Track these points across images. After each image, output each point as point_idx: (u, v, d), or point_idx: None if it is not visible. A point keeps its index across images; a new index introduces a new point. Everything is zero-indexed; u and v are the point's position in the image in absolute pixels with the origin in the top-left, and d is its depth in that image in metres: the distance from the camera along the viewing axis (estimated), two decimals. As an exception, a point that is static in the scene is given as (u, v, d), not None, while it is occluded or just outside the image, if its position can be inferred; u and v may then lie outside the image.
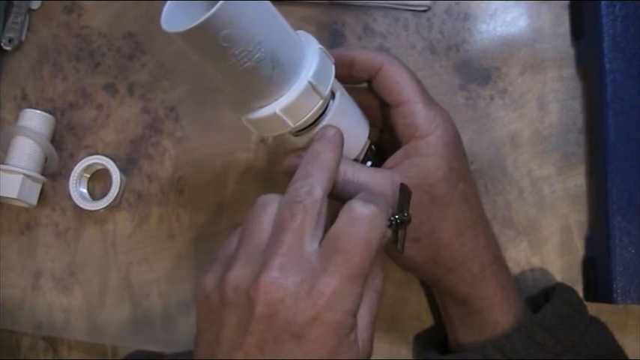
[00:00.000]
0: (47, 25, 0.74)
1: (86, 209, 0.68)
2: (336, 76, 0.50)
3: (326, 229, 0.45)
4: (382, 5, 0.69)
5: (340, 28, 0.69)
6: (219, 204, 0.68)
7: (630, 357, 0.59)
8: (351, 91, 0.54)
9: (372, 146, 0.58)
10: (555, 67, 0.66)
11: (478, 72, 0.67)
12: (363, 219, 0.44)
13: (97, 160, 0.69)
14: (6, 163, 0.68)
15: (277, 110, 0.46)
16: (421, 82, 0.55)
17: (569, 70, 0.66)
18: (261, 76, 0.44)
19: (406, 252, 0.51)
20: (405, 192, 0.49)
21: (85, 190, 0.70)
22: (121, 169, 0.69)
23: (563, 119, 0.66)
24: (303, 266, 0.43)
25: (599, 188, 0.62)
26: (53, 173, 0.71)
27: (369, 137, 0.56)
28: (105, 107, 0.71)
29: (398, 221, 0.47)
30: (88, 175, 0.70)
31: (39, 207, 0.71)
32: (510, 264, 0.63)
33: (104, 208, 0.68)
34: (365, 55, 0.54)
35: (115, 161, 0.69)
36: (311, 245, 0.44)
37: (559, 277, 0.64)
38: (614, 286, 0.58)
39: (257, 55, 0.42)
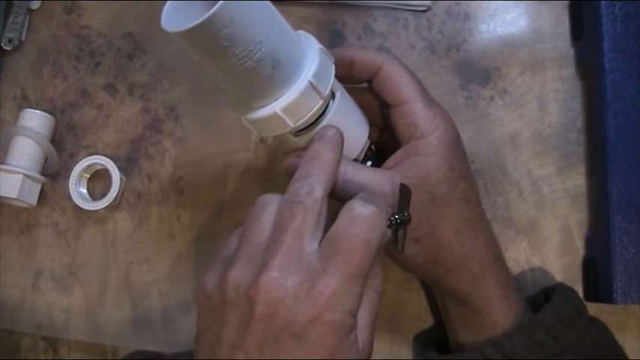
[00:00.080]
0: (47, 25, 0.74)
1: (86, 209, 0.68)
2: (336, 76, 0.50)
3: (326, 229, 0.45)
4: (382, 5, 0.69)
5: (340, 28, 0.69)
6: (219, 204, 0.68)
7: (630, 357, 0.59)
8: (351, 91, 0.54)
9: (372, 146, 0.58)
10: (555, 67, 0.66)
11: (478, 72, 0.67)
12: (363, 219, 0.44)
13: (96, 160, 0.69)
14: (6, 163, 0.68)
15: (277, 110, 0.46)
16: (421, 82, 0.55)
17: (569, 70, 0.66)
18: (261, 76, 0.44)
19: (406, 252, 0.51)
20: (405, 192, 0.49)
21: (84, 190, 0.70)
22: (121, 169, 0.69)
23: (563, 119, 0.66)
24: (303, 266, 0.43)
25: (599, 188, 0.62)
26: (53, 173, 0.71)
27: (369, 137, 0.56)
28: (105, 107, 0.71)
29: (398, 221, 0.47)
30: (88, 175, 0.70)
31: (39, 207, 0.71)
32: (510, 264, 0.63)
33: (104, 208, 0.68)
34: (365, 55, 0.54)
35: (114, 161, 0.69)
36: (311, 245, 0.44)
37: (559, 277, 0.64)
38: (614, 286, 0.58)
39: (257, 55, 0.42)
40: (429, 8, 0.68)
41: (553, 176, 0.65)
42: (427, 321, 0.65)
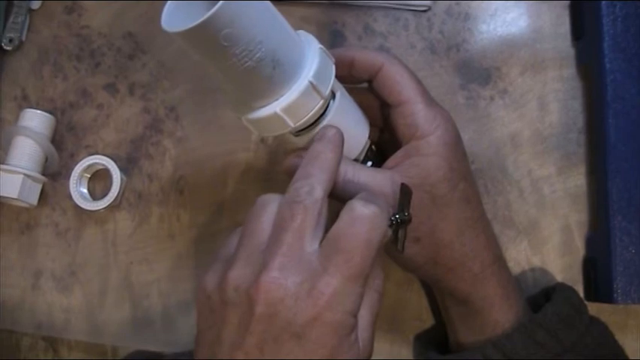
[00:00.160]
0: (47, 25, 0.74)
1: (86, 209, 0.68)
2: (337, 76, 0.50)
3: (326, 229, 0.45)
4: (382, 5, 0.69)
5: (340, 28, 0.69)
6: (220, 204, 0.68)
7: (630, 357, 0.59)
8: (351, 91, 0.54)
9: (373, 146, 0.58)
10: (556, 67, 0.66)
11: (478, 72, 0.67)
12: (364, 219, 0.44)
13: (97, 160, 0.69)
14: (6, 163, 0.68)
15: (278, 110, 0.46)
16: (421, 82, 0.55)
17: (570, 70, 0.66)
18: (261, 76, 0.44)
19: (406, 252, 0.51)
20: (405, 191, 0.49)
21: (85, 190, 0.70)
22: (122, 169, 0.69)
23: (563, 119, 0.66)
24: (303, 266, 0.43)
25: (600, 188, 0.62)
26: (53, 173, 0.71)
27: (369, 137, 0.56)
28: (105, 107, 0.71)
29: (398, 221, 0.47)
30: (89, 175, 0.70)
31: (39, 207, 0.71)
32: (510, 264, 0.63)
33: (104, 208, 0.68)
34: (365, 55, 0.54)
35: (115, 161, 0.69)
36: (311, 245, 0.44)
37: (559, 277, 0.64)
38: (615, 286, 0.58)
39: (258, 55, 0.42)
40: (429, 8, 0.68)
41: (553, 176, 0.65)
42: (427, 321, 0.65)
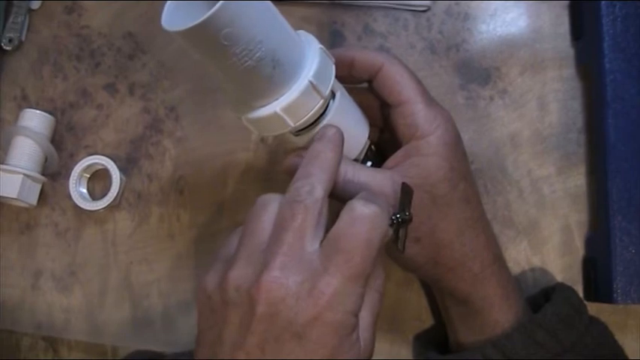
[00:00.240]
0: (47, 25, 0.74)
1: (86, 209, 0.68)
2: (337, 76, 0.50)
3: (327, 229, 0.45)
4: (382, 5, 0.69)
5: (340, 28, 0.69)
6: (219, 204, 0.68)
7: (630, 357, 0.59)
8: (351, 91, 0.54)
9: (372, 146, 0.58)
10: (555, 67, 0.66)
11: (478, 72, 0.67)
12: (365, 219, 0.44)
13: (96, 160, 0.69)
14: (6, 163, 0.68)
15: (278, 110, 0.46)
16: (421, 82, 0.55)
17: (569, 70, 0.66)
18: (261, 76, 0.44)
19: (407, 252, 0.51)
20: (406, 191, 0.49)
21: (84, 190, 0.70)
22: (121, 169, 0.69)
23: (563, 119, 0.66)
24: (304, 266, 0.42)
25: (600, 188, 0.62)
26: (53, 173, 0.71)
27: (369, 137, 0.56)
28: (105, 107, 0.71)
29: (399, 220, 0.47)
30: (88, 175, 0.70)
31: (39, 207, 0.71)
32: (510, 264, 0.63)
33: (104, 208, 0.68)
34: (365, 55, 0.54)
35: (114, 161, 0.69)
36: (312, 245, 0.44)
37: (559, 277, 0.64)
38: (615, 286, 0.58)
39: (258, 54, 0.42)
40: (429, 8, 0.68)
41: (553, 176, 0.65)
42: (427, 321, 0.65)
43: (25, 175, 0.67)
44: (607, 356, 0.55)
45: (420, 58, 0.68)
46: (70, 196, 0.68)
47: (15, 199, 0.67)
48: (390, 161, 0.54)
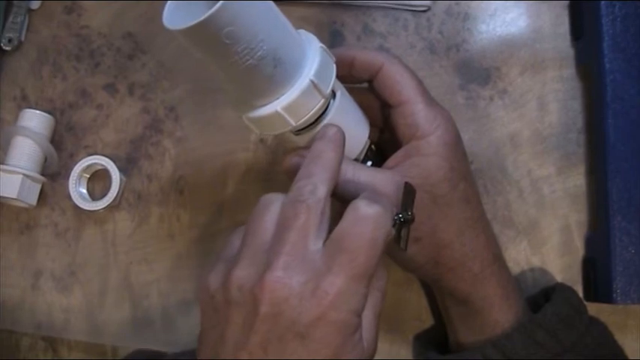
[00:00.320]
0: (47, 25, 0.74)
1: (86, 209, 0.68)
2: (337, 76, 0.50)
3: (329, 229, 0.45)
4: (382, 5, 0.69)
5: (340, 28, 0.69)
6: (219, 204, 0.68)
7: (630, 357, 0.59)
8: (351, 91, 0.54)
9: (372, 146, 0.58)
10: (555, 67, 0.66)
11: (478, 72, 0.67)
12: (368, 218, 0.43)
13: (96, 160, 0.69)
14: (6, 163, 0.68)
15: (279, 109, 0.46)
16: (422, 82, 0.55)
17: (569, 70, 0.66)
18: (262, 74, 0.44)
19: (407, 251, 0.51)
20: (409, 190, 0.49)
21: (84, 190, 0.70)
22: (121, 169, 0.69)
23: (563, 119, 0.66)
24: (307, 265, 0.42)
25: (599, 188, 0.62)
26: (53, 173, 0.71)
27: (369, 137, 0.56)
28: (105, 107, 0.71)
29: (402, 220, 0.47)
30: (88, 175, 0.70)
31: (38, 207, 0.70)
32: (510, 264, 0.63)
33: (104, 208, 0.68)
34: (366, 55, 0.54)
35: (114, 161, 0.69)
36: (315, 244, 0.44)
37: (559, 277, 0.64)
38: (614, 286, 0.58)
39: (259, 53, 0.42)
40: (429, 8, 0.68)
41: (553, 176, 0.65)
42: (427, 321, 0.65)
43: (24, 175, 0.67)
44: (607, 356, 0.55)
45: (420, 58, 0.68)
46: (69, 197, 0.68)
47: (15, 199, 0.67)
48: (390, 161, 0.54)
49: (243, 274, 0.43)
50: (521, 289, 0.59)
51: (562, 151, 0.65)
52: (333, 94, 0.51)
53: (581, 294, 0.62)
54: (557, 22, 0.67)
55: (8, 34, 0.72)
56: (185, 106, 0.70)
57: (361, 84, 0.57)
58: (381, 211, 0.44)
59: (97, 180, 0.71)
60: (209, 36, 0.40)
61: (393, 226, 0.46)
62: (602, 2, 0.61)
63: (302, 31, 0.49)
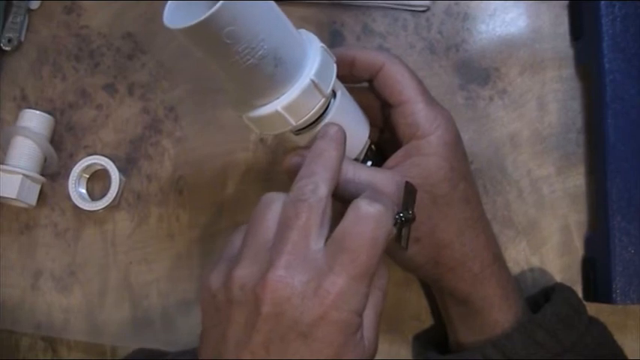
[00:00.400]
0: (47, 25, 0.74)
1: (85, 209, 0.68)
2: (337, 76, 0.50)
3: (330, 228, 0.45)
4: (381, 5, 0.69)
5: (339, 28, 0.69)
6: (219, 204, 0.68)
7: (630, 357, 0.59)
8: (351, 91, 0.54)
9: (372, 146, 0.58)
10: (555, 67, 0.66)
11: (477, 72, 0.67)
12: (369, 217, 0.43)
13: (96, 161, 0.69)
14: (5, 164, 0.68)
15: (279, 108, 0.46)
16: (422, 82, 0.55)
17: (569, 70, 0.66)
18: (263, 74, 0.44)
19: (407, 251, 0.51)
20: (410, 190, 0.49)
21: (84, 191, 0.70)
22: (121, 170, 0.69)
23: (562, 119, 0.66)
24: (309, 265, 0.42)
25: (599, 188, 0.62)
26: (52, 173, 0.71)
27: (369, 137, 0.56)
28: (104, 107, 0.71)
29: (403, 219, 0.47)
30: (87, 176, 0.70)
31: (38, 207, 0.70)
32: (510, 264, 0.63)
33: (103, 208, 0.68)
34: (366, 55, 0.54)
35: (114, 161, 0.68)
36: (316, 243, 0.44)
37: (558, 277, 0.64)
38: (614, 286, 0.58)
39: (260, 53, 0.42)
40: (428, 8, 0.68)
41: (553, 176, 0.65)
42: (427, 321, 0.65)
43: (24, 175, 0.67)
44: (607, 356, 0.56)
45: (420, 58, 0.68)
46: (69, 197, 0.68)
47: (14, 199, 0.67)
48: (391, 161, 0.54)
49: (244, 273, 0.43)
50: (520, 289, 0.59)
51: (562, 151, 0.65)
52: (334, 94, 0.51)
53: (580, 294, 0.62)
54: (556, 22, 0.67)
55: (8, 34, 0.72)
56: (185, 106, 0.70)
57: (361, 84, 0.57)
58: (382, 210, 0.44)
59: (97, 180, 0.71)
60: (210, 35, 0.40)
61: (394, 225, 0.46)
62: (602, 2, 0.61)
63: (303, 31, 0.49)
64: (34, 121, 0.69)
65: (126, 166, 0.70)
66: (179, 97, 0.70)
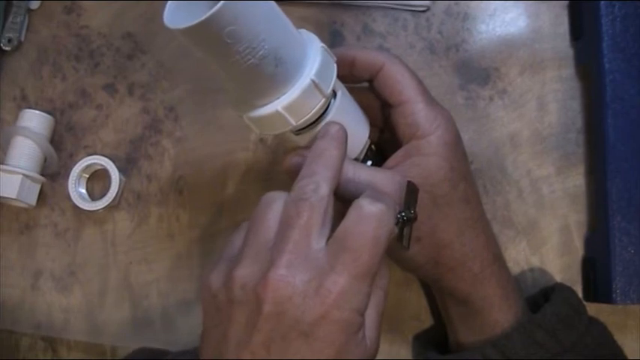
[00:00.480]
0: (47, 25, 0.74)
1: (85, 209, 0.68)
2: (337, 76, 0.50)
3: (332, 227, 0.45)
4: (381, 5, 0.69)
5: (339, 28, 0.69)
6: (219, 204, 0.68)
7: (630, 357, 0.59)
8: (351, 91, 0.54)
9: (372, 146, 0.58)
10: (554, 67, 0.66)
11: (477, 72, 0.67)
12: (371, 217, 0.43)
13: (96, 160, 0.69)
14: (5, 164, 0.67)
15: (279, 108, 0.46)
16: (422, 82, 0.55)
17: (569, 70, 0.66)
18: (264, 74, 0.44)
19: (407, 251, 0.51)
20: (412, 189, 0.49)
21: (84, 191, 0.70)
22: (120, 169, 0.69)
23: (562, 119, 0.66)
24: (310, 264, 0.42)
25: (599, 188, 0.62)
26: (52, 173, 0.71)
27: (369, 137, 0.56)
28: (104, 107, 0.71)
29: (404, 218, 0.47)
30: (87, 176, 0.70)
31: (38, 207, 0.70)
32: (510, 264, 0.63)
33: (103, 208, 0.68)
34: (366, 55, 0.54)
35: (114, 161, 0.68)
36: (318, 243, 0.43)
37: (558, 277, 0.64)
38: (614, 286, 0.58)
39: (260, 53, 0.42)
40: (428, 8, 0.68)
41: (552, 176, 0.65)
42: (427, 321, 0.65)
43: (24, 175, 0.67)
44: (607, 356, 0.56)
45: (420, 58, 0.68)
46: (69, 197, 0.68)
47: (14, 199, 0.67)
48: (391, 161, 0.54)
49: (245, 272, 0.43)
50: (520, 289, 0.59)
51: (561, 151, 0.65)
52: (334, 94, 0.51)
53: (580, 294, 0.62)
54: (556, 22, 0.67)
55: (8, 34, 0.72)
56: (185, 106, 0.70)
57: (361, 84, 0.57)
58: (384, 210, 0.44)
59: (97, 180, 0.71)
60: (210, 35, 0.40)
61: (396, 224, 0.46)
62: (602, 2, 0.61)
63: (303, 31, 0.49)
64: (34, 121, 0.69)
65: (126, 166, 0.70)
66: (179, 97, 0.70)
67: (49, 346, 0.72)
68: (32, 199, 0.69)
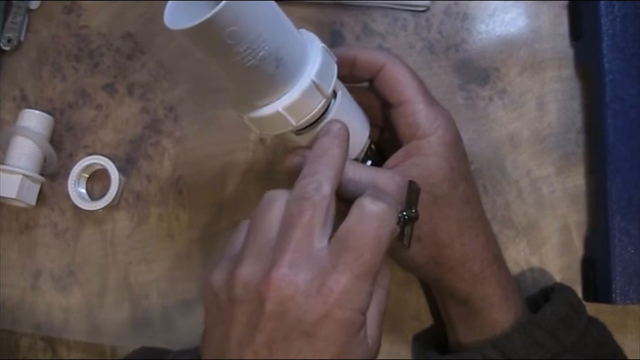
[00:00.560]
0: (46, 25, 0.73)
1: (85, 209, 0.68)
2: (338, 76, 0.50)
3: (334, 226, 0.45)
4: (381, 5, 0.69)
5: (339, 28, 0.69)
6: (219, 204, 0.68)
7: (630, 357, 0.59)
8: (352, 91, 0.54)
9: (372, 146, 0.57)
10: (554, 67, 0.66)
11: (477, 72, 0.67)
12: (373, 216, 0.43)
13: (95, 160, 0.69)
14: (5, 164, 0.67)
15: (280, 109, 0.46)
16: (423, 82, 0.55)
17: (569, 70, 0.66)
18: (264, 75, 0.44)
19: (409, 251, 0.51)
20: (413, 189, 0.49)
21: (83, 190, 0.70)
22: (120, 169, 0.69)
23: (562, 119, 0.66)
24: (312, 263, 0.42)
25: (599, 188, 0.62)
26: (52, 173, 0.71)
27: (369, 137, 0.56)
28: (104, 107, 0.71)
29: (406, 218, 0.47)
30: (87, 175, 0.70)
31: (38, 207, 0.70)
32: (510, 264, 0.63)
33: (103, 208, 0.68)
34: (367, 55, 0.54)
35: (113, 161, 0.68)
36: (320, 242, 0.43)
37: (558, 277, 0.64)
38: (614, 286, 0.58)
39: (261, 53, 0.42)
40: (428, 8, 0.68)
41: (552, 176, 0.65)
42: (427, 321, 0.65)
43: (24, 175, 0.67)
44: (606, 356, 0.56)
45: (419, 58, 0.68)
46: (69, 197, 0.68)
47: (14, 199, 0.67)
48: (391, 161, 0.54)
49: (247, 271, 0.43)
50: (520, 289, 0.59)
51: (561, 151, 0.65)
52: (334, 94, 0.51)
53: (580, 294, 0.63)
54: (556, 22, 0.67)
55: (8, 34, 0.72)
56: (184, 106, 0.70)
57: (362, 83, 0.57)
58: (386, 209, 0.44)
59: (96, 180, 0.71)
60: (211, 36, 0.40)
61: (398, 223, 0.46)
62: (602, 2, 0.61)
63: (303, 31, 0.49)
64: (34, 121, 0.69)
65: (125, 166, 0.70)
66: (179, 97, 0.70)
67: (49, 346, 0.72)
68: (32, 199, 0.69)
